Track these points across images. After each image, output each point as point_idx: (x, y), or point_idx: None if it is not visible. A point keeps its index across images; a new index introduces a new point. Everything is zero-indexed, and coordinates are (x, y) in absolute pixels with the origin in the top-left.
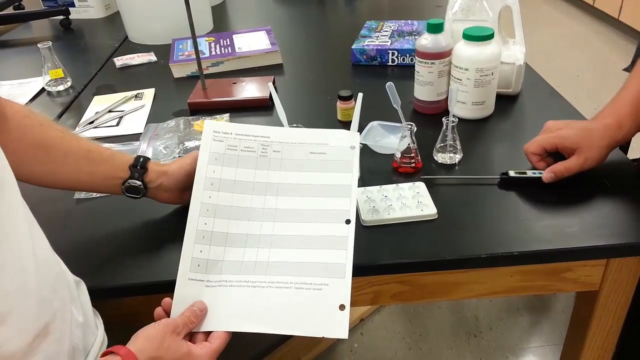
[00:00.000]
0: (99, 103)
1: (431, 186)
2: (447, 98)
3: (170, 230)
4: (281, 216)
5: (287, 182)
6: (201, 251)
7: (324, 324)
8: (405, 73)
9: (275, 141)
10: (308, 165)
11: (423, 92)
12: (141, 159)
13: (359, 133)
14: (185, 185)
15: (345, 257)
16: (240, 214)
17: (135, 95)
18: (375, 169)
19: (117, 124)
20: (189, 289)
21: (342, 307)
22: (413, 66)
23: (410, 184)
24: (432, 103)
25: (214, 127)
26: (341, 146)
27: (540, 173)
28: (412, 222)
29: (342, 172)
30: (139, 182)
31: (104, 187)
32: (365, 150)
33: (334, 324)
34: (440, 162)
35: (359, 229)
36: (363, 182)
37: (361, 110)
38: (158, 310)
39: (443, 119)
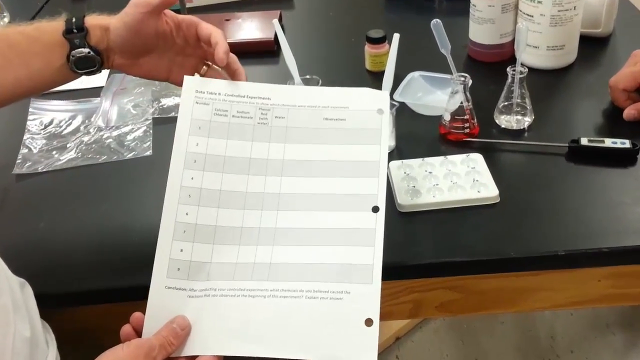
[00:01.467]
0: None
1: (491, 159)
2: (513, 41)
3: (142, 218)
4: (287, 203)
5: (294, 158)
6: (182, 250)
7: (345, 346)
8: (458, 8)
9: (278, 104)
10: (322, 136)
11: (481, 32)
12: (73, 20)
13: (389, 92)
14: (137, 49)
15: (373, 256)
16: (232, 200)
17: None
18: (416, 136)
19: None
20: (167, 301)
21: (369, 322)
22: None
23: (463, 156)
24: (493, 48)
25: (196, 86)
26: (366, 110)
27: (624, 143)
28: (465, 208)
29: (367, 144)
30: (86, 49)
31: (48, 77)
32: (403, 111)
33: (359, 345)
34: (503, 126)
35: (394, 216)
36: (399, 153)
37: (397, 57)
38: (126, 329)
39: (508, 69)
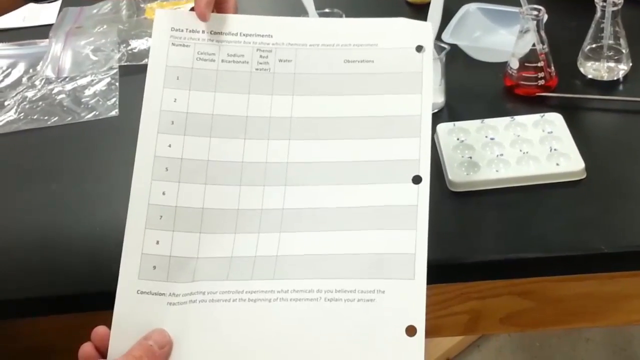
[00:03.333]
0: None
1: (575, 121)
2: None
3: (105, 202)
4: (297, 176)
5: (305, 115)
6: (158, 243)
7: None
8: None
9: (283, 43)
10: (342, 85)
11: None
12: None
13: (436, 27)
14: None
15: (415, 243)
16: (224, 174)
17: None
18: (473, 90)
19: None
20: (140, 310)
21: (411, 330)
22: None
23: (536, 116)
24: None
25: (171, 22)
26: (401, 47)
27: None
28: (539, 186)
29: (403, 93)
30: None
31: None
32: (455, 57)
33: None
34: (590, 76)
35: (443, 197)
36: (451, 113)
37: None
38: (86, 349)
39: (596, 0)
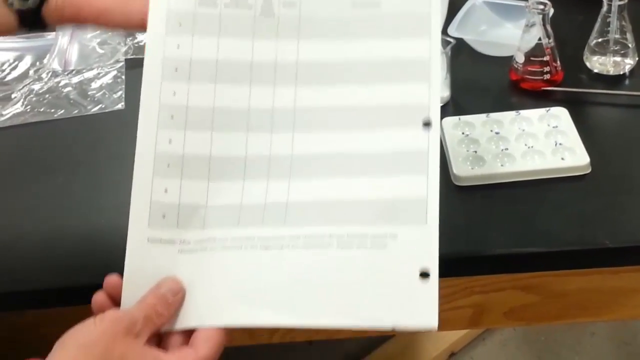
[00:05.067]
0: None
1: (580, 115)
2: None
3: (112, 194)
4: (305, 121)
5: (312, 59)
6: (166, 191)
7: (393, 306)
8: None
9: None
10: (349, 28)
11: None
12: None
13: (441, 24)
14: None
15: (427, 187)
16: (231, 120)
17: None
18: (479, 84)
19: None
20: (151, 259)
21: (424, 274)
22: None
23: (541, 111)
24: None
25: None
26: None
27: None
28: (544, 180)
29: (412, 36)
30: None
31: None
32: (461, 50)
33: (413, 305)
34: (596, 71)
35: (449, 191)
36: (456, 107)
37: None
38: (98, 298)
39: None
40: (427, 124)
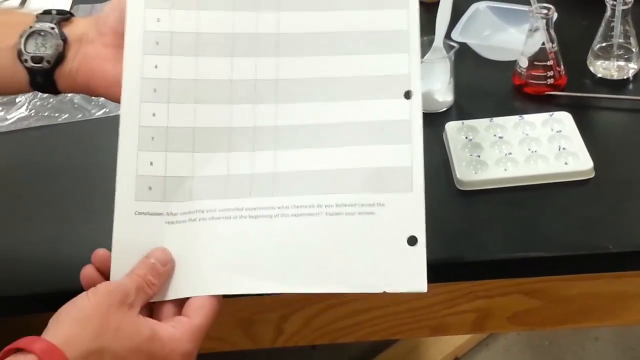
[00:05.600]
0: None
1: (584, 120)
2: None
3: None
4: (288, 92)
5: (292, 31)
6: (152, 164)
7: (383, 271)
8: None
9: None
10: (328, 0)
11: None
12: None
13: (443, 22)
14: None
15: (411, 156)
16: (214, 92)
17: None
18: (482, 89)
19: (22, 3)
20: (139, 231)
21: (412, 240)
22: None
23: (545, 115)
24: None
25: None
26: None
27: None
28: (548, 185)
29: (390, 7)
30: (48, 25)
31: None
32: (464, 55)
33: (403, 271)
34: (600, 75)
35: (452, 196)
36: (459, 111)
37: None
38: (87, 271)
39: None
40: (408, 94)
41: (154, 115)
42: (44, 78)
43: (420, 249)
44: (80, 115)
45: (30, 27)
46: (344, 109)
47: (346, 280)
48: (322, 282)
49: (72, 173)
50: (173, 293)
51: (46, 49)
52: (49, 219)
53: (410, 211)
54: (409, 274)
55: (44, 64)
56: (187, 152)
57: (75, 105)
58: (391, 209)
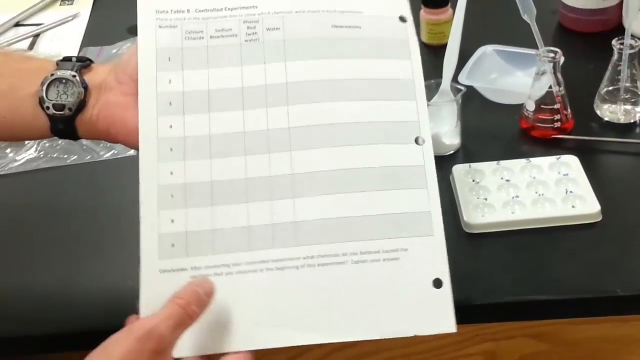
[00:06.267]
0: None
1: (591, 163)
2: (620, 4)
3: (125, 238)
4: (301, 140)
5: (300, 79)
6: (173, 221)
7: (412, 316)
8: None
9: (268, 12)
10: (333, 49)
11: None
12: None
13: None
14: None
15: (428, 201)
16: (228, 146)
17: None
18: (489, 132)
19: (31, 47)
20: (165, 288)
21: (437, 283)
22: None
23: (552, 159)
24: (593, 14)
25: (156, 4)
26: (385, 16)
27: None
28: (555, 229)
29: (394, 58)
30: (69, 73)
31: (5, 106)
32: (471, 98)
33: (431, 313)
34: (607, 119)
35: (459, 239)
36: (466, 154)
37: (464, 26)
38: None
39: (614, 43)
40: (419, 141)
41: (172, 173)
42: (65, 125)
43: (446, 291)
44: (89, 157)
45: (52, 74)
46: (358, 154)
47: (377, 327)
48: (354, 330)
49: (81, 214)
50: (200, 349)
51: (68, 97)
52: (59, 260)
53: (433, 255)
54: (437, 316)
55: (66, 112)
56: (207, 206)
57: (84, 147)
58: (415, 253)
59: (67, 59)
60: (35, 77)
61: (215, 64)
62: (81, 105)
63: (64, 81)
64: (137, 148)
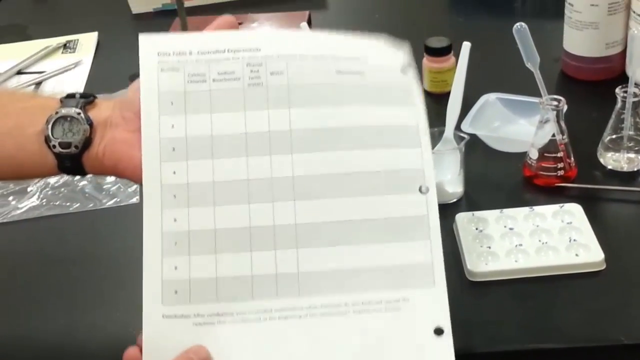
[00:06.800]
0: (1, 57)
1: (594, 212)
2: (623, 52)
3: (128, 288)
4: (305, 189)
5: (304, 126)
6: (176, 268)
7: None
8: (548, 7)
9: (272, 55)
10: (337, 95)
11: (580, 41)
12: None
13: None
14: None
15: (430, 252)
16: (231, 193)
17: (65, 45)
18: (492, 180)
19: (37, 86)
20: (168, 333)
21: (439, 331)
22: None
23: (555, 207)
24: (596, 62)
25: (157, 47)
26: (387, 65)
27: None
28: (559, 277)
29: (398, 104)
30: (74, 110)
31: (7, 148)
32: (474, 146)
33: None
34: (610, 167)
35: (462, 287)
36: (469, 202)
37: (467, 74)
38: (130, 354)
39: (617, 91)
40: (423, 189)
41: (175, 220)
42: (71, 162)
43: (447, 339)
44: (91, 205)
45: (56, 112)
46: (360, 204)
47: None
48: None
49: (82, 262)
50: None
51: (73, 134)
52: (60, 308)
53: (434, 304)
54: None
55: (72, 149)
56: (211, 254)
57: (87, 195)
58: (416, 303)
59: (71, 96)
60: (40, 115)
61: (218, 108)
62: (87, 142)
63: (68, 119)
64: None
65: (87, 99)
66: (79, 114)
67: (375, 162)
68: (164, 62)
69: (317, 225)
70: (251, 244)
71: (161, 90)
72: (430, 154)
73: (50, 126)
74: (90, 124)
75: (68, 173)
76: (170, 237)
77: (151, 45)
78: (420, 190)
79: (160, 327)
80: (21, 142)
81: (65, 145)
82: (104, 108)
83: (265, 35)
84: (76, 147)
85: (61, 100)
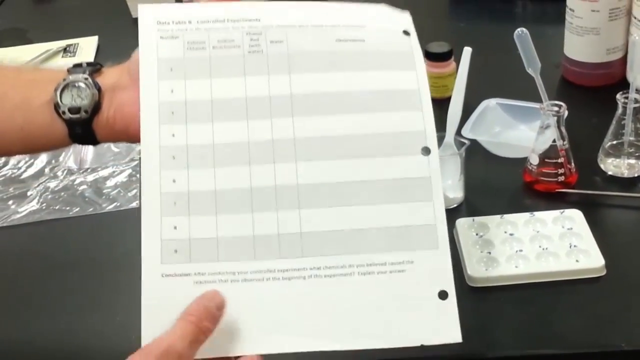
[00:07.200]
0: (2, 61)
1: (594, 217)
2: (624, 58)
3: (128, 291)
4: (306, 151)
5: (304, 91)
6: (175, 227)
7: (419, 326)
8: (549, 13)
9: (271, 25)
10: (337, 61)
11: (581, 47)
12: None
13: (454, 119)
14: None
15: (434, 214)
16: (232, 155)
17: (65, 49)
18: (493, 186)
19: None
20: (168, 293)
21: (443, 294)
22: (562, 0)
23: (556, 213)
24: (597, 67)
25: (156, 15)
26: (388, 30)
27: None
28: (559, 282)
29: (398, 69)
30: (81, 76)
31: (16, 119)
32: (475, 152)
33: (437, 324)
34: (611, 173)
35: (463, 293)
36: (470, 208)
37: (468, 80)
38: None
39: (618, 96)
40: (425, 151)
41: (174, 181)
42: (82, 129)
43: (452, 302)
44: (91, 209)
45: (64, 79)
46: (362, 165)
47: (384, 336)
48: (363, 338)
49: (82, 266)
50: (210, 351)
51: (82, 100)
52: (60, 312)
53: (438, 267)
54: (443, 326)
55: (82, 114)
56: (211, 214)
57: (86, 199)
58: (420, 266)
59: (78, 65)
60: (48, 86)
61: (218, 74)
62: (96, 107)
63: (76, 85)
64: None
65: (93, 67)
66: (86, 79)
67: (376, 124)
68: (163, 30)
69: (319, 186)
70: (252, 204)
71: (160, 57)
72: (432, 116)
73: (58, 93)
74: (99, 89)
75: (79, 142)
76: (169, 197)
77: (150, 15)
78: (422, 152)
79: (160, 286)
80: (30, 114)
81: (75, 110)
82: (111, 74)
83: (265, 6)
84: (86, 111)
85: (68, 70)
